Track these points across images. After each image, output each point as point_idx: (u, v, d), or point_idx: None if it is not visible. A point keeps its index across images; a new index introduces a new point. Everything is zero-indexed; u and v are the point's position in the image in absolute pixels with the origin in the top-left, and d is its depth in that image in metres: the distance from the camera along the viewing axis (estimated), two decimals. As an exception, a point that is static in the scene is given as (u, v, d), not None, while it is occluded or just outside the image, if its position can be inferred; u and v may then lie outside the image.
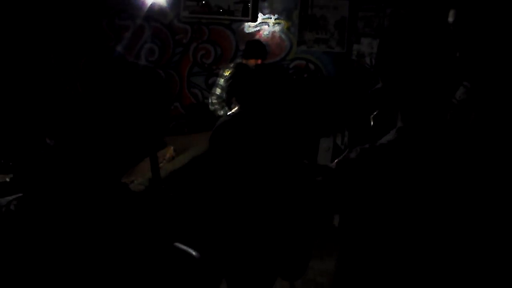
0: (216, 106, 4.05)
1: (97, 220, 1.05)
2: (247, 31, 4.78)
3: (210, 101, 4.11)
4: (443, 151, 1.05)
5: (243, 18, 4.73)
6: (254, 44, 4.03)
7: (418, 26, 1.07)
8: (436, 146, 1.05)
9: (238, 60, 4.21)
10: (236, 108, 2.10)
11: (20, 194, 1.13)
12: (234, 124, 2.03)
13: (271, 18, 4.75)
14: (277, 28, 4.75)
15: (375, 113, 1.36)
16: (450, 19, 1.92)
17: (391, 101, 1.07)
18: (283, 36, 4.74)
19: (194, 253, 1.54)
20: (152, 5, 4.70)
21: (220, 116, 3.89)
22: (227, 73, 3.84)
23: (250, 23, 4.76)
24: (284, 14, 4.73)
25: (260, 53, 3.95)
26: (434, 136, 1.06)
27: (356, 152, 1.11)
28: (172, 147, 3.93)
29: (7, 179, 2.70)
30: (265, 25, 4.76)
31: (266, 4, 4.73)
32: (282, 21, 4.74)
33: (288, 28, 4.73)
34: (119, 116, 1.12)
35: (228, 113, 2.12)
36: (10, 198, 1.11)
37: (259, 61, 3.91)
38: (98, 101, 1.13)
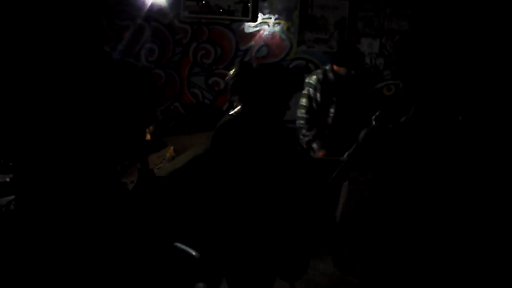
0: (302, 125, 3.76)
1: (96, 219, 1.05)
2: (247, 31, 4.77)
3: (298, 121, 3.79)
4: (440, 134, 1.41)
5: (243, 18, 4.73)
6: (351, 51, 3.62)
7: (435, 35, 1.33)
8: (437, 130, 1.41)
9: (327, 66, 3.80)
10: (238, 108, 2.10)
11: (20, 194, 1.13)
12: (237, 124, 2.03)
13: (271, 18, 4.75)
14: (277, 28, 4.75)
15: (377, 113, 1.41)
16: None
17: (409, 97, 1.33)
18: (283, 36, 4.73)
19: (194, 253, 1.54)
20: (152, 5, 4.70)
21: (304, 135, 3.73)
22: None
23: (250, 23, 4.75)
24: (284, 14, 4.72)
25: (356, 63, 3.53)
26: (438, 124, 1.42)
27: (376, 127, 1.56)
28: (172, 147, 3.93)
29: (7, 179, 2.71)
30: (265, 25, 4.76)
31: (266, 4, 4.73)
32: (282, 21, 4.74)
33: (288, 28, 4.73)
34: (104, 113, 1.11)
35: (231, 113, 2.12)
36: (10, 198, 1.11)
37: (352, 72, 3.55)
38: (86, 100, 1.12)
